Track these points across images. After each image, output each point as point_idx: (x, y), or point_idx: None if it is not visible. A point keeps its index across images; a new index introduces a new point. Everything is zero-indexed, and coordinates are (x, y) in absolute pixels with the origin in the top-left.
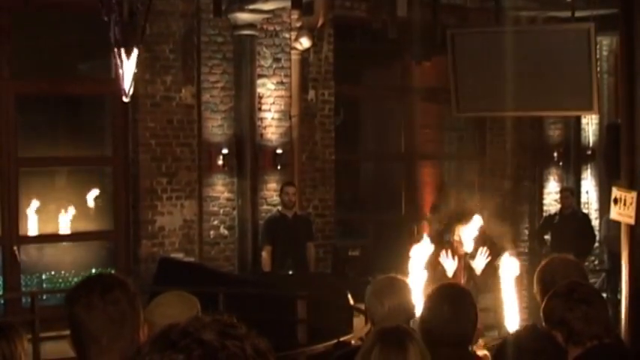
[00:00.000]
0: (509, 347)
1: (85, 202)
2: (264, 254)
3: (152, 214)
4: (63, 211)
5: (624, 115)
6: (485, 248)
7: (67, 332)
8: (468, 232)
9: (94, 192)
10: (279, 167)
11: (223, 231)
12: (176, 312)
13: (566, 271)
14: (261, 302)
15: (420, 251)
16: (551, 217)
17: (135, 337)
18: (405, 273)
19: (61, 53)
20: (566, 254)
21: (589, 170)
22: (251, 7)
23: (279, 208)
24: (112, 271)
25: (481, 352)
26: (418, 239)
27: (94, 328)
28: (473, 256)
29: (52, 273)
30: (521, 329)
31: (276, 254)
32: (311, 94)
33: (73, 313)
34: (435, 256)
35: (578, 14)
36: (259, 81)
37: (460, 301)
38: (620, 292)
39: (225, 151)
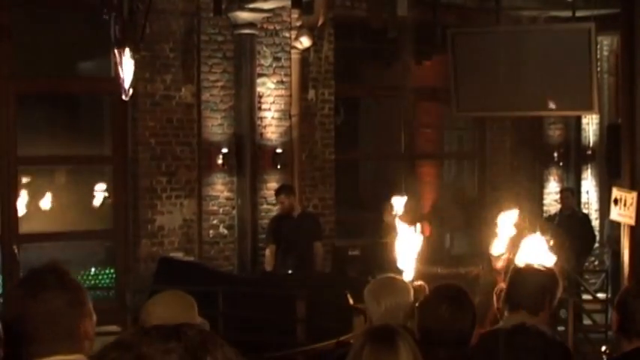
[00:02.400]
0: (501, 344)
1: (85, 201)
2: (267, 252)
3: (152, 213)
4: (62, 210)
5: (625, 115)
6: None
7: None
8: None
9: (94, 191)
10: (278, 166)
11: (223, 230)
12: (172, 312)
13: (525, 278)
14: (260, 302)
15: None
16: (551, 217)
17: (74, 334)
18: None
19: (60, 52)
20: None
21: (589, 170)
22: (251, 5)
23: None
24: (56, 266)
25: None
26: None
27: (29, 328)
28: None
29: None
30: (514, 327)
31: (278, 253)
32: (311, 93)
33: (10, 314)
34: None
35: (578, 14)
36: (259, 80)
37: (458, 301)
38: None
39: (224, 150)
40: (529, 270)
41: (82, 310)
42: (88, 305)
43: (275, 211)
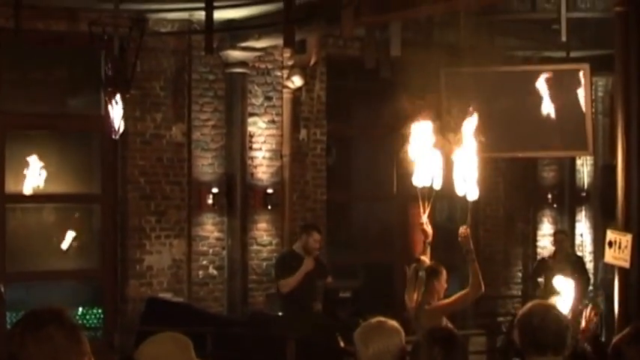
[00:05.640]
0: None
1: (73, 239)
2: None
3: (140, 252)
4: (50, 248)
5: (620, 157)
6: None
7: None
8: None
9: (82, 230)
10: (269, 207)
11: (212, 271)
12: (165, 352)
13: (545, 317)
14: (250, 343)
15: None
16: (544, 259)
17: None
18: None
19: (50, 88)
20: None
21: (583, 212)
22: (243, 44)
23: (294, 248)
24: (51, 306)
25: None
26: None
27: None
28: None
29: None
30: None
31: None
32: (303, 133)
33: (10, 354)
34: None
35: (573, 55)
36: (250, 119)
37: (450, 344)
38: (614, 335)
39: (215, 190)
40: (546, 307)
41: (80, 348)
42: (86, 344)
43: (265, 252)
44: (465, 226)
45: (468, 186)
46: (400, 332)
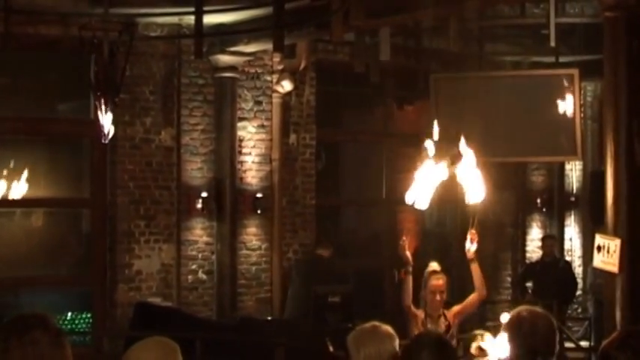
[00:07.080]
0: None
1: (62, 244)
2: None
3: (129, 257)
4: (39, 253)
5: (609, 162)
6: None
7: None
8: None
9: (71, 234)
10: (259, 211)
11: (202, 275)
12: (152, 357)
13: (534, 322)
14: (239, 349)
15: None
16: (533, 264)
17: None
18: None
19: (39, 93)
20: (535, 306)
21: (572, 217)
22: (232, 49)
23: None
24: (36, 311)
25: None
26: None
27: None
28: None
29: None
30: None
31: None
32: (292, 137)
33: None
34: None
35: (562, 59)
36: (240, 124)
37: (439, 348)
38: (603, 340)
39: (204, 194)
40: (535, 312)
41: (64, 353)
42: (69, 349)
43: (255, 256)
44: (404, 238)
45: (422, 195)
46: (394, 337)
